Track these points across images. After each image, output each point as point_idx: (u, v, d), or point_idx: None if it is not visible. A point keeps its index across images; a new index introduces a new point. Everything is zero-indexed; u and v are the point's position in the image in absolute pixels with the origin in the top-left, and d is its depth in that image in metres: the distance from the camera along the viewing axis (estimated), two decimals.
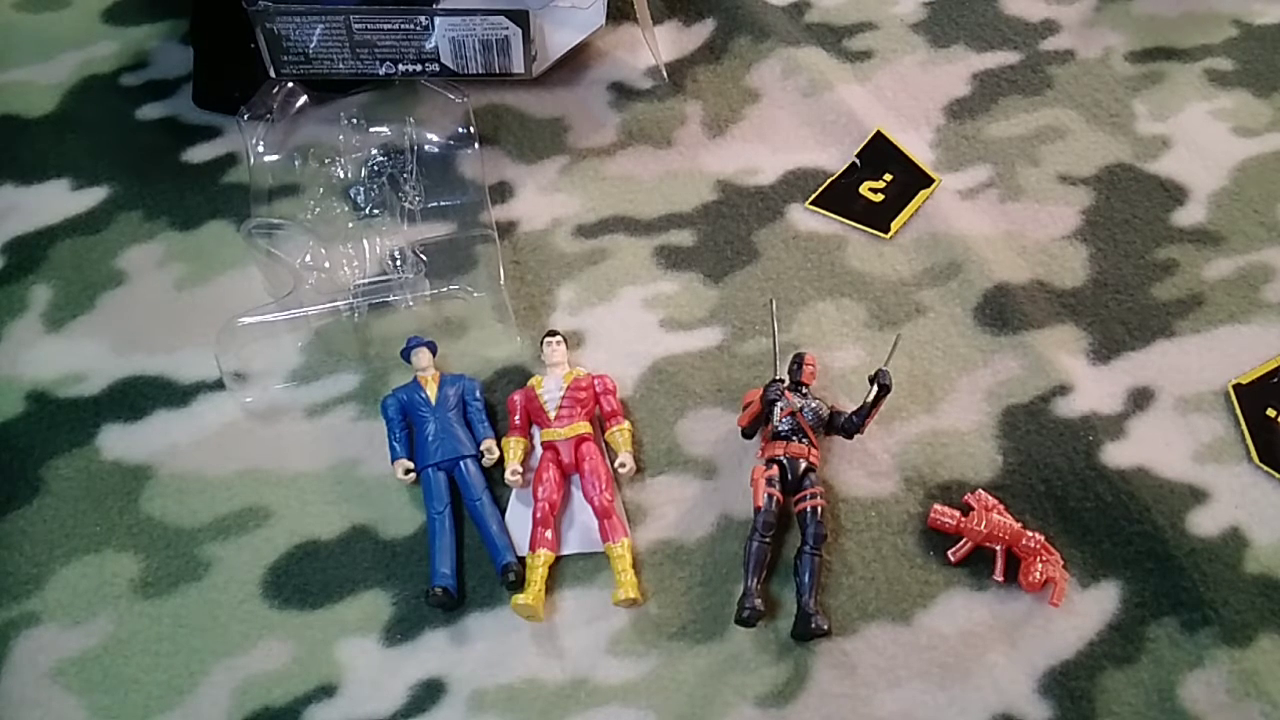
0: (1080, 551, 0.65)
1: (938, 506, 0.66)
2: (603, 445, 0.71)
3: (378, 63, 0.85)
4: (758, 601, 0.62)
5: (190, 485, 0.70)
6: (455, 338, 0.76)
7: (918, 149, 0.85)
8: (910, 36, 0.93)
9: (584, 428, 0.69)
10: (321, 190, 0.83)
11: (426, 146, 0.85)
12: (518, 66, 0.86)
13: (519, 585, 0.65)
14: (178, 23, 0.97)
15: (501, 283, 0.76)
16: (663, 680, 0.62)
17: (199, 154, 0.88)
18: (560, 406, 0.70)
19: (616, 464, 0.69)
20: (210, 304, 0.78)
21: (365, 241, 0.80)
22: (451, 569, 0.66)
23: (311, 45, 0.83)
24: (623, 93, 0.90)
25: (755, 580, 0.63)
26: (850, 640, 0.63)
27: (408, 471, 0.69)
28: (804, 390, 0.69)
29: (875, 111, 0.88)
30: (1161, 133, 0.85)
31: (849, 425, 0.67)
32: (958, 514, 0.65)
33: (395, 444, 0.70)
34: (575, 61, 0.92)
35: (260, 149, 0.85)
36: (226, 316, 0.74)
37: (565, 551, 0.67)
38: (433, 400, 0.71)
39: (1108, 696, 0.61)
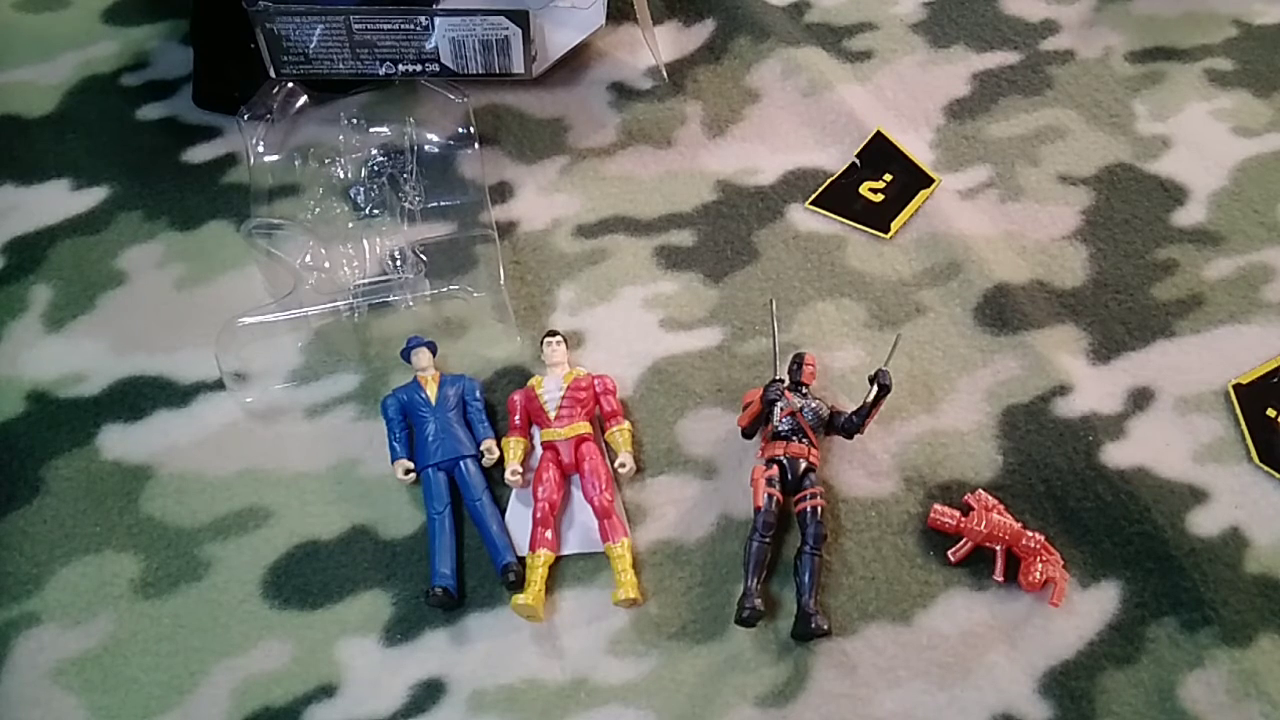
0: (1080, 551, 0.65)
1: (938, 506, 0.66)
2: (603, 445, 0.71)
3: (378, 63, 0.85)
4: (758, 601, 0.62)
5: (190, 485, 0.70)
6: (455, 338, 0.76)
7: (918, 149, 0.85)
8: (910, 36, 0.93)
9: (584, 428, 0.69)
10: (321, 190, 0.83)
11: (426, 146, 0.85)
12: (518, 66, 0.86)
13: (519, 585, 0.65)
14: (178, 23, 0.97)
15: (501, 283, 0.76)
16: (663, 680, 0.62)
17: (199, 154, 0.88)
18: (560, 406, 0.70)
19: (616, 464, 0.69)
20: (210, 304, 0.78)
21: (365, 241, 0.80)
22: (451, 569, 0.66)
23: (311, 45, 0.83)
24: (623, 93, 0.90)
25: (755, 580, 0.63)
26: (850, 640, 0.63)
27: (408, 471, 0.69)
28: (804, 390, 0.69)
29: (875, 111, 0.88)
30: (1161, 133, 0.85)
31: (849, 425, 0.67)
32: (958, 514, 0.65)
33: (395, 444, 0.70)
34: (575, 61, 0.92)
35: (260, 149, 0.85)
36: (226, 316, 0.74)
37: (565, 551, 0.67)
38: (433, 400, 0.70)
39: (1108, 696, 0.61)
